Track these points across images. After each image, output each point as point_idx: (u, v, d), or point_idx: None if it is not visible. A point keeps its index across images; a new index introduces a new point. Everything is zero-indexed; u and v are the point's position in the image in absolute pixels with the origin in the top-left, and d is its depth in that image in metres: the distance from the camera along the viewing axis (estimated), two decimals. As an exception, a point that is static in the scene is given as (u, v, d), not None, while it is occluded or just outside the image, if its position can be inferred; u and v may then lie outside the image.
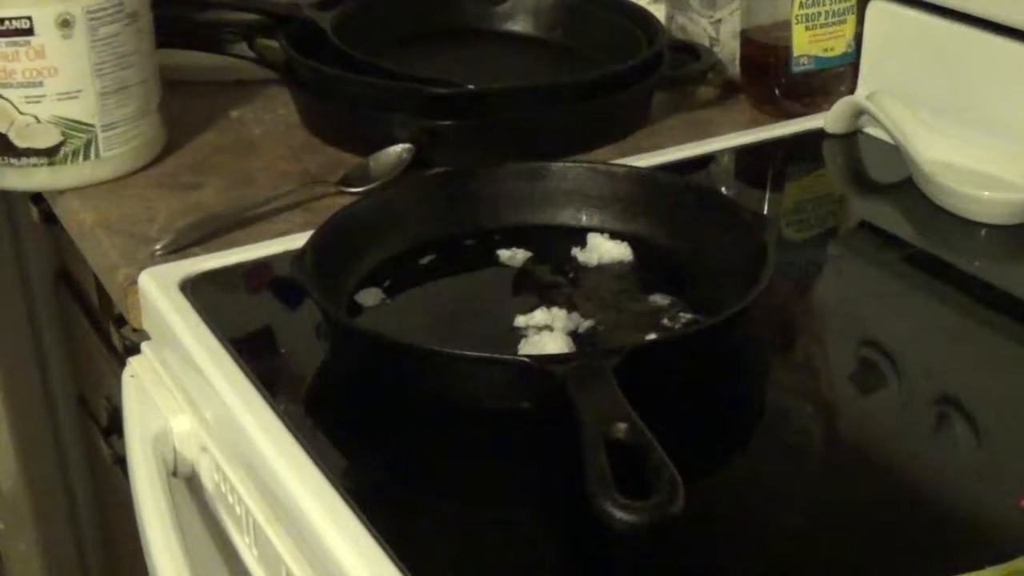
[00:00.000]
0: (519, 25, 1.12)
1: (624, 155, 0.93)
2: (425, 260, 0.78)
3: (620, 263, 0.77)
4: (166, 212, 0.88)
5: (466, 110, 0.94)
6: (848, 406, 0.69)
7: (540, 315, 0.71)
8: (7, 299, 1.43)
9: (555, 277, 0.77)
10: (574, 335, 0.69)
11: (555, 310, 0.71)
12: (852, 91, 1.00)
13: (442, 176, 0.87)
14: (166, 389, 0.76)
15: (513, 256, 0.78)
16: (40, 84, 0.88)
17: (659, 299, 0.74)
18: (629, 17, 1.07)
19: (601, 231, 0.80)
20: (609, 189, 0.81)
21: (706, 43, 1.06)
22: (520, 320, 0.71)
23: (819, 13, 0.98)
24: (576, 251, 0.78)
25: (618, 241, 0.78)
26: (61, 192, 0.93)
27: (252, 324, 0.74)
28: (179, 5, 1.10)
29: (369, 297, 0.74)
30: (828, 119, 0.97)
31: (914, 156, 0.87)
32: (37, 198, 1.21)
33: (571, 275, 0.77)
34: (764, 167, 0.97)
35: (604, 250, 0.78)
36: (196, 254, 0.81)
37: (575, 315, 0.71)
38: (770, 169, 0.97)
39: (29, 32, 0.86)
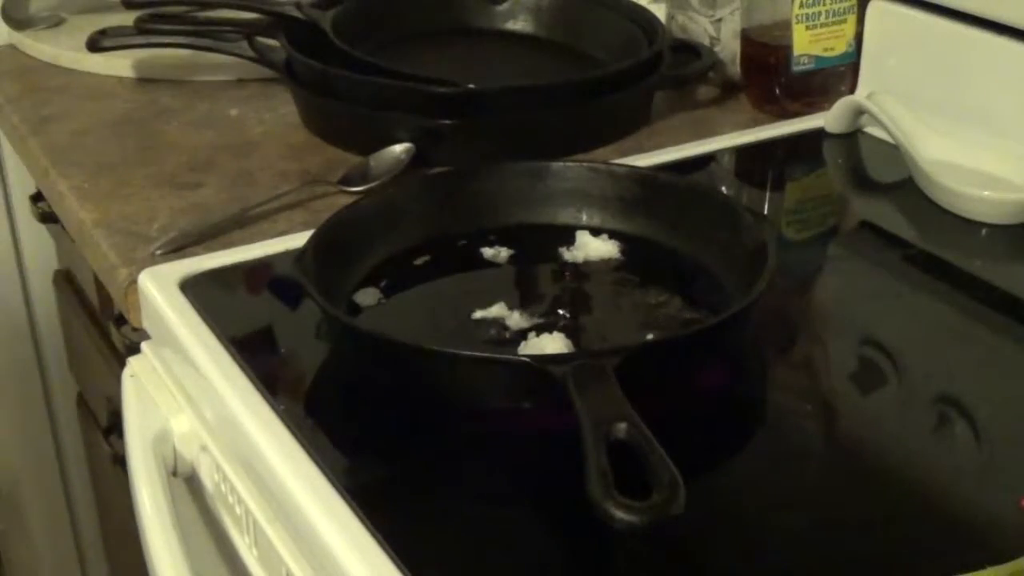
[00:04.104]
0: (519, 25, 1.12)
1: (624, 155, 0.93)
2: (421, 260, 0.78)
3: (610, 260, 0.78)
4: (166, 212, 0.88)
5: (466, 110, 0.93)
6: (848, 406, 0.69)
7: (497, 309, 0.71)
8: (7, 299, 1.43)
9: (556, 278, 0.77)
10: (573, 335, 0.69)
11: (514, 313, 0.71)
12: (852, 91, 1.00)
13: (442, 176, 0.87)
14: (166, 389, 0.76)
15: (497, 254, 0.78)
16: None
17: (659, 298, 0.74)
18: (629, 17, 1.07)
19: (601, 231, 0.80)
20: (609, 189, 0.81)
21: (706, 42, 1.06)
22: (478, 314, 0.71)
23: (819, 13, 0.98)
24: (563, 249, 0.78)
25: (605, 239, 0.78)
26: (60, 192, 0.94)
27: (252, 324, 0.74)
28: (179, 4, 1.10)
29: (367, 297, 0.74)
30: (828, 119, 0.97)
31: (914, 156, 0.87)
32: (37, 198, 1.21)
33: (568, 275, 0.77)
34: (764, 167, 0.97)
35: (591, 248, 0.78)
36: (196, 254, 0.81)
37: (527, 315, 0.71)
38: (770, 169, 0.97)
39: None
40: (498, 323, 0.71)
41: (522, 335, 0.69)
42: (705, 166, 0.94)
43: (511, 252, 0.79)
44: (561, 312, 0.73)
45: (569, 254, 0.78)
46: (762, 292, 0.67)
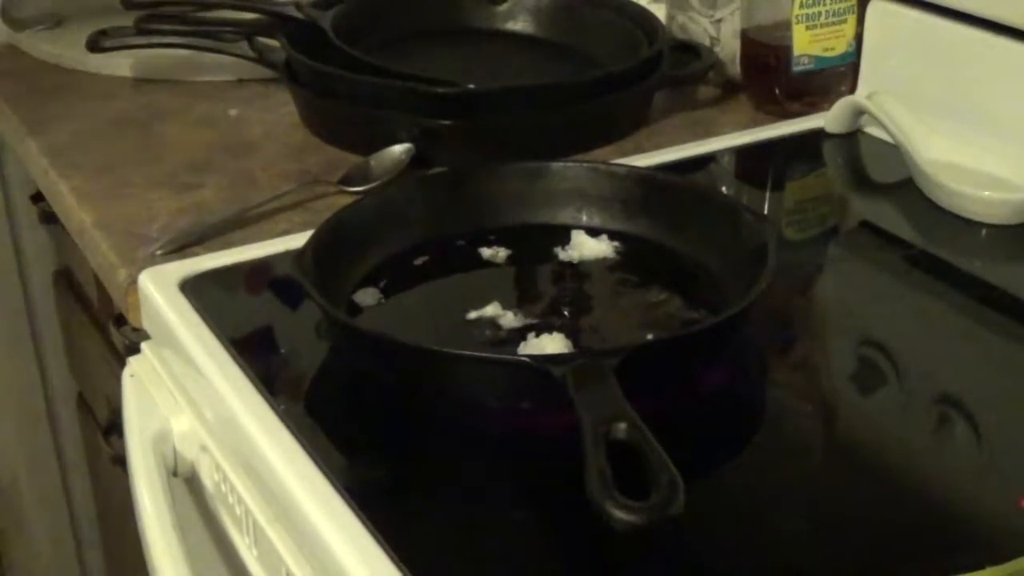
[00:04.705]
0: (519, 25, 1.12)
1: (624, 155, 0.93)
2: (420, 260, 0.78)
3: (605, 260, 0.78)
4: (166, 212, 0.88)
5: (466, 110, 0.94)
6: (848, 406, 0.69)
7: (491, 309, 0.71)
8: (7, 299, 1.43)
9: (555, 278, 0.77)
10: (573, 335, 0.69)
11: (510, 312, 0.71)
12: (852, 91, 1.00)
13: (442, 176, 0.87)
14: (166, 389, 0.76)
15: (495, 254, 0.78)
16: None
17: (658, 298, 0.74)
18: (629, 17, 1.07)
19: (601, 231, 0.80)
20: (609, 189, 0.81)
21: (706, 43, 1.06)
22: (472, 314, 0.71)
23: (819, 13, 0.98)
24: (558, 249, 0.78)
25: (600, 239, 0.78)
26: (60, 192, 0.94)
27: (252, 324, 0.74)
28: (179, 5, 1.10)
29: (367, 297, 0.74)
30: (828, 119, 0.97)
31: (914, 156, 0.87)
32: (37, 198, 1.21)
33: (567, 275, 0.77)
34: (764, 167, 0.97)
35: (586, 248, 0.78)
36: (196, 254, 0.81)
37: (521, 314, 0.71)
38: (770, 169, 0.97)
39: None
40: (493, 323, 0.71)
41: (517, 335, 0.69)
42: (705, 166, 0.94)
43: (509, 252, 0.79)
44: (558, 312, 0.73)
45: (564, 254, 0.78)
46: (762, 292, 0.67)
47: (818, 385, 0.71)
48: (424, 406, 0.65)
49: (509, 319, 0.71)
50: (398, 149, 0.92)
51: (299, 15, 1.04)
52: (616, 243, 0.79)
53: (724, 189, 0.92)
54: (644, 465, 0.54)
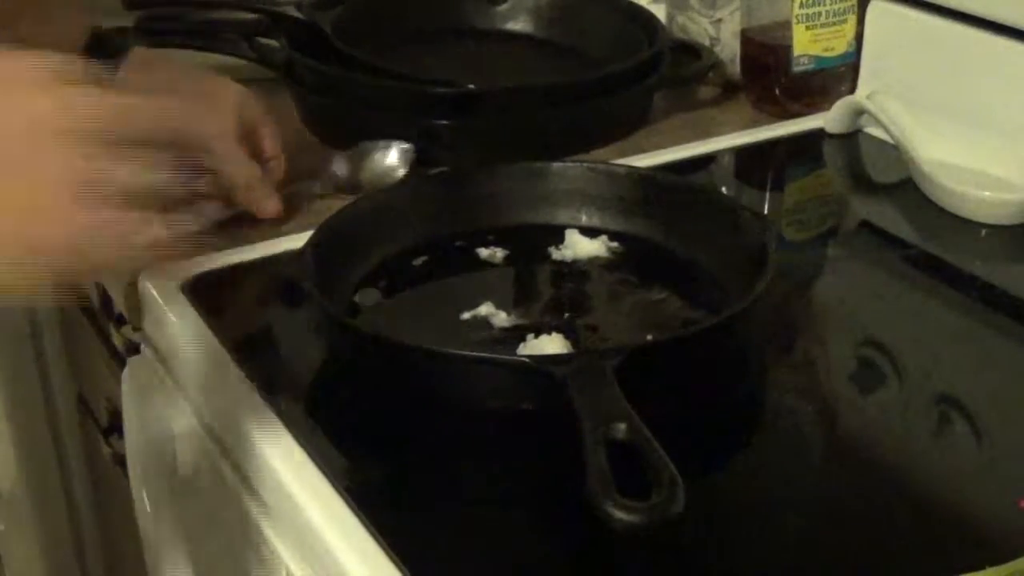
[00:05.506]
0: (519, 25, 1.12)
1: (624, 155, 0.93)
2: (419, 261, 0.78)
3: (600, 259, 0.78)
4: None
5: (466, 110, 0.93)
6: (848, 406, 0.69)
7: (486, 309, 0.72)
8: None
9: (554, 278, 0.77)
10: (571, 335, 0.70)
11: (506, 313, 0.71)
12: (852, 91, 1.00)
13: (442, 176, 0.87)
14: (166, 389, 0.76)
15: (493, 254, 0.78)
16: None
17: (658, 298, 0.74)
18: (629, 17, 1.07)
19: (600, 231, 0.80)
20: (608, 189, 0.81)
21: (706, 43, 1.06)
22: (466, 314, 0.71)
23: (819, 13, 0.98)
24: (552, 249, 0.78)
25: (594, 238, 0.78)
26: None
27: (252, 324, 0.74)
28: (179, 5, 1.10)
29: (367, 297, 0.74)
30: (828, 119, 0.97)
31: (914, 156, 0.87)
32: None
33: (566, 275, 0.77)
34: (764, 167, 0.97)
35: (580, 247, 0.78)
36: (196, 254, 0.81)
37: (516, 314, 0.71)
38: (770, 169, 0.97)
39: None
40: (491, 323, 0.71)
41: (516, 335, 0.69)
42: (705, 166, 0.94)
43: (507, 252, 0.79)
44: (557, 312, 0.73)
45: (558, 253, 0.78)
46: (762, 292, 0.67)
47: (818, 385, 0.71)
48: (424, 406, 0.65)
49: (507, 319, 0.71)
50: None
51: (299, 15, 1.04)
52: (615, 243, 0.79)
53: (724, 189, 0.92)
54: (644, 465, 0.54)
